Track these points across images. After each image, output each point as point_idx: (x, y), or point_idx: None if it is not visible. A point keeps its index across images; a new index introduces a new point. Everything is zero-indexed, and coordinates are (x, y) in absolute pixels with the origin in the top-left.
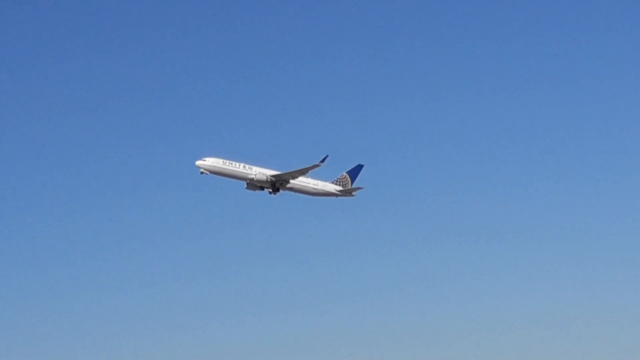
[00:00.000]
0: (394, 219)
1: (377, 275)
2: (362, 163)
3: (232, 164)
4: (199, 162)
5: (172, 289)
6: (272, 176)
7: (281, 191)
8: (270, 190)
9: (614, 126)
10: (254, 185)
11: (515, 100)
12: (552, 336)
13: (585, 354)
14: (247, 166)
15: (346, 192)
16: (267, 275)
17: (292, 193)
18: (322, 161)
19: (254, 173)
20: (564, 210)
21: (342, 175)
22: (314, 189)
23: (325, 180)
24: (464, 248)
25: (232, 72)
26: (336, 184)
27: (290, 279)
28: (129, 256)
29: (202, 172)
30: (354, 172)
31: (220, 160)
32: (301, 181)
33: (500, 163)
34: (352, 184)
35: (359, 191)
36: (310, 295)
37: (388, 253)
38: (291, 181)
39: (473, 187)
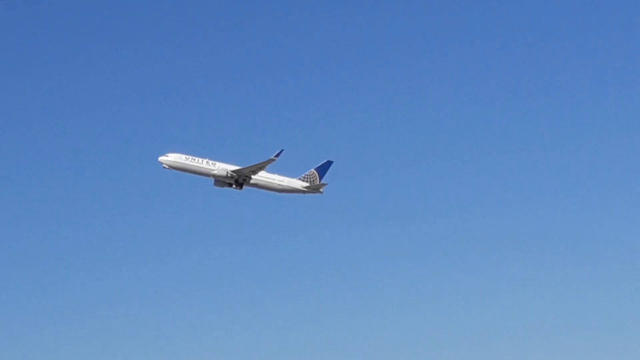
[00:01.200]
0: (362, 216)
1: (346, 274)
2: (331, 159)
3: (194, 159)
4: (161, 158)
5: (138, 285)
6: (233, 171)
7: (246, 187)
8: (235, 186)
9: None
10: (222, 181)
11: (494, 92)
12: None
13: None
14: (210, 162)
15: (313, 189)
16: (227, 272)
17: (258, 190)
18: (277, 155)
19: (216, 169)
20: (539, 207)
21: (311, 172)
22: (279, 185)
23: (293, 176)
24: (435, 245)
25: (207, 68)
26: (303, 181)
27: (252, 277)
28: (94, 253)
29: (165, 168)
30: (323, 169)
31: (183, 156)
32: (266, 177)
33: (475, 158)
34: (320, 180)
35: (326, 188)
36: (275, 292)
37: (356, 251)
38: (256, 177)
39: (445, 184)
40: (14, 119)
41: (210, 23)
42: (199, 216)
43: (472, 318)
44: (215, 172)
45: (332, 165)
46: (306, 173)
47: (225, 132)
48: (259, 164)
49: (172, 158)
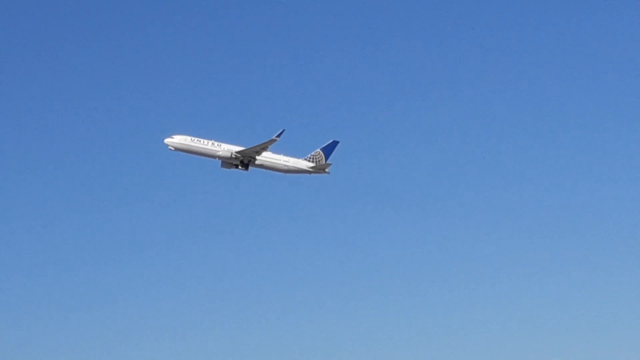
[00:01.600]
0: (367, 196)
1: (352, 255)
2: (337, 139)
3: (200, 141)
4: (167, 140)
5: (146, 267)
6: (237, 152)
7: (252, 168)
8: (241, 167)
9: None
10: (229, 163)
11: (500, 71)
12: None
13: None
14: (215, 143)
15: (319, 169)
16: (233, 254)
17: (265, 170)
18: (279, 135)
19: (221, 150)
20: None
21: (316, 152)
22: (284, 165)
23: (300, 157)
24: (440, 225)
25: (213, 51)
26: (309, 161)
27: (257, 258)
28: (100, 235)
29: (170, 150)
30: (329, 149)
31: (189, 138)
32: (272, 158)
33: (483, 139)
34: (326, 160)
35: (332, 168)
36: (281, 274)
37: (361, 231)
38: (262, 158)
39: (449, 164)
40: (18, 103)
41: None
42: (205, 197)
43: (476, 295)
44: (220, 153)
45: (338, 146)
46: (312, 153)
47: (232, 114)
48: (262, 144)
49: (177, 140)
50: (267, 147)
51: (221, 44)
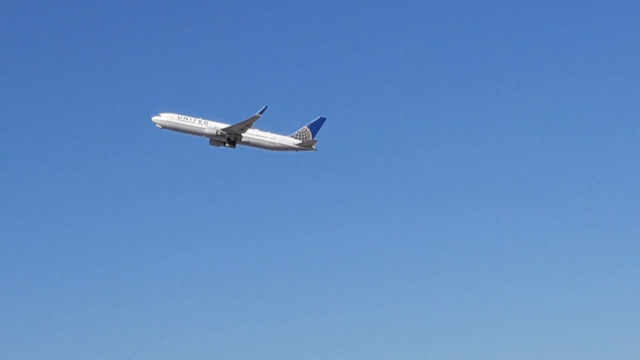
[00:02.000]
0: (355, 174)
1: (339, 234)
2: (324, 116)
3: (187, 119)
4: (154, 118)
5: (135, 250)
6: (223, 129)
7: (240, 146)
8: (228, 144)
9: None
10: (217, 141)
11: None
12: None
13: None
14: (202, 121)
15: (305, 146)
16: (218, 230)
17: (252, 148)
18: (261, 112)
19: (206, 127)
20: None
21: (303, 129)
22: (271, 142)
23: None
24: (428, 205)
25: (202, 31)
26: (296, 138)
27: (241, 239)
28: (91, 219)
29: (158, 127)
30: (316, 126)
31: (176, 116)
32: (258, 135)
33: (469, 112)
34: (313, 137)
35: (319, 145)
36: (266, 257)
37: (348, 208)
38: (248, 135)
39: (439, 143)
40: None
41: None
42: (192, 174)
43: (468, 268)
44: (206, 130)
45: (325, 122)
46: (299, 130)
47: (222, 92)
48: (245, 121)
49: (164, 118)
50: (250, 124)
51: (208, 23)
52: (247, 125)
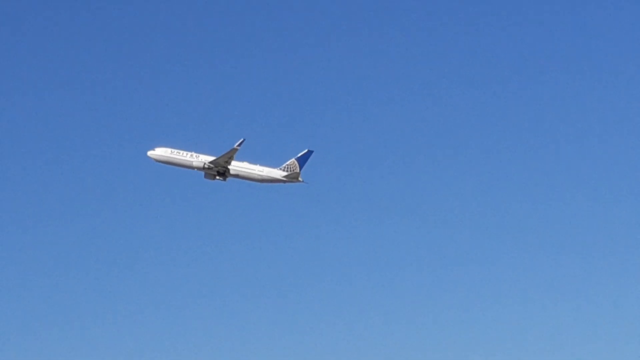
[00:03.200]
0: (341, 205)
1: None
2: (311, 149)
3: (179, 153)
4: (150, 152)
5: (128, 273)
6: (210, 162)
7: (231, 179)
8: (219, 177)
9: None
10: (210, 174)
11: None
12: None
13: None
14: (193, 154)
15: (292, 178)
16: (209, 262)
17: (241, 180)
18: (239, 145)
19: (195, 160)
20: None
21: (291, 161)
22: (259, 175)
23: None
24: (417, 233)
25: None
26: (284, 170)
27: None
28: (84, 243)
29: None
30: (303, 159)
31: (169, 150)
32: (246, 167)
33: (460, 149)
34: (300, 169)
35: (307, 178)
36: (260, 285)
37: (334, 238)
38: (237, 168)
39: (428, 173)
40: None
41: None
42: (183, 207)
43: (459, 291)
44: (195, 164)
45: (312, 155)
46: (287, 163)
47: (214, 125)
48: (225, 153)
49: (158, 152)
50: (232, 155)
51: (201, 47)
52: (229, 157)
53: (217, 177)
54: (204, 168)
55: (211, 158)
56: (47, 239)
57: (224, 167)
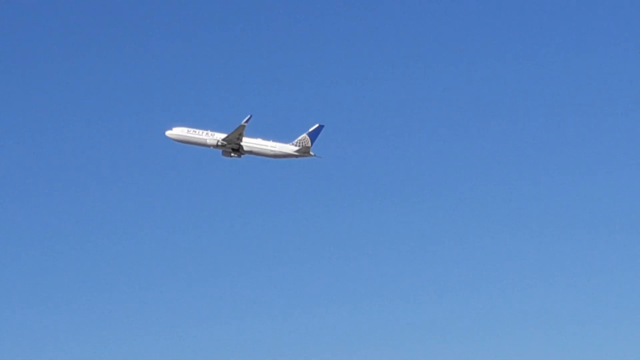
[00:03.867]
0: (353, 180)
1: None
2: (322, 124)
3: (195, 131)
4: (167, 132)
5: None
6: (223, 139)
7: (245, 155)
8: (234, 154)
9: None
10: (226, 151)
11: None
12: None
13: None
14: (209, 133)
15: (303, 152)
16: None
17: (254, 157)
18: (247, 121)
19: (209, 138)
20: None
21: (303, 137)
22: (272, 151)
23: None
24: (427, 210)
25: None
26: (295, 145)
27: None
28: (98, 221)
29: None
30: (314, 133)
31: (185, 129)
32: (259, 144)
33: (470, 122)
34: (312, 144)
35: (318, 152)
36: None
37: (343, 216)
38: (250, 145)
39: (437, 151)
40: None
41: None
42: (199, 183)
43: (470, 270)
44: (209, 141)
45: (324, 130)
46: (298, 138)
47: (225, 103)
48: (235, 130)
49: (175, 132)
50: (241, 132)
51: (211, 29)
52: (239, 133)
53: (232, 154)
54: (217, 145)
55: (224, 135)
56: (67, 219)
57: (236, 143)
